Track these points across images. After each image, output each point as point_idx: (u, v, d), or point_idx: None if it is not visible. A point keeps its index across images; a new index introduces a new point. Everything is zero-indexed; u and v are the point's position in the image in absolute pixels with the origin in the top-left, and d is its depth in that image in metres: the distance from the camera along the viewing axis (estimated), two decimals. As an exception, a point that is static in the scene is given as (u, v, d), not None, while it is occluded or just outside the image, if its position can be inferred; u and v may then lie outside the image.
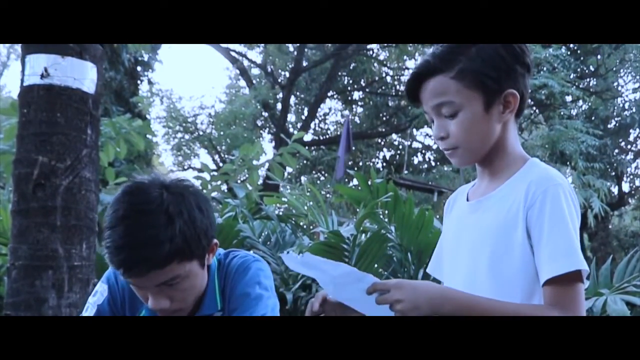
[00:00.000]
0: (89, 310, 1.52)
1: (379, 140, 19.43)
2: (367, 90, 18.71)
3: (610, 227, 15.94)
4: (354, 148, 15.33)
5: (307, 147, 10.20)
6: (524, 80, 1.33)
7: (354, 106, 19.59)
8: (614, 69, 12.94)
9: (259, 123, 18.85)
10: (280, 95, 16.78)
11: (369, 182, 3.99)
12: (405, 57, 17.34)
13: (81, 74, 2.64)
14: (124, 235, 1.29)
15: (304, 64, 16.78)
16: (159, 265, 1.30)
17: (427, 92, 1.31)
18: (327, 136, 19.09)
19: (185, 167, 19.24)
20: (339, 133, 16.42)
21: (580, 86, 12.71)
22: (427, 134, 18.91)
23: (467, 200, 1.43)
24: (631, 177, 15.54)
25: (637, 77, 13.02)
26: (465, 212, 1.40)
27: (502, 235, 1.27)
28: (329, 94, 18.09)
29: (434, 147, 18.65)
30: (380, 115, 18.91)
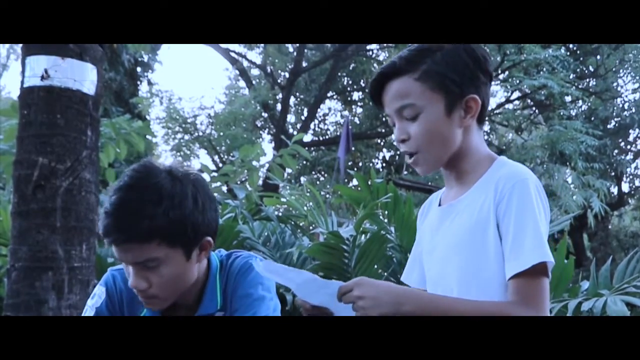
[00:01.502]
0: (87, 313, 1.52)
1: (379, 141, 19.42)
2: (366, 90, 18.69)
3: (610, 227, 15.94)
4: (353, 149, 15.33)
5: (306, 148, 10.19)
6: (485, 88, 1.35)
7: (353, 107, 19.58)
8: (614, 69, 12.95)
9: (259, 124, 18.84)
10: (280, 95, 16.76)
11: (369, 183, 3.99)
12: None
13: (81, 75, 2.64)
14: (114, 204, 1.34)
15: (304, 64, 16.77)
16: (136, 238, 1.33)
17: (390, 94, 1.33)
18: (327, 137, 19.08)
19: (185, 168, 19.16)
20: (338, 134, 16.41)
21: (580, 87, 12.72)
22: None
23: (440, 205, 1.44)
24: (631, 177, 15.54)
25: (637, 78, 13.01)
26: (437, 217, 1.41)
27: (477, 235, 1.28)
28: (329, 95, 18.08)
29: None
30: (380, 115, 18.88)
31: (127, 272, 1.42)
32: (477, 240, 1.28)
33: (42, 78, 2.58)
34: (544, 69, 11.46)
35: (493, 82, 12.48)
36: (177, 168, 1.43)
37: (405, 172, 16.92)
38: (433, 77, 1.29)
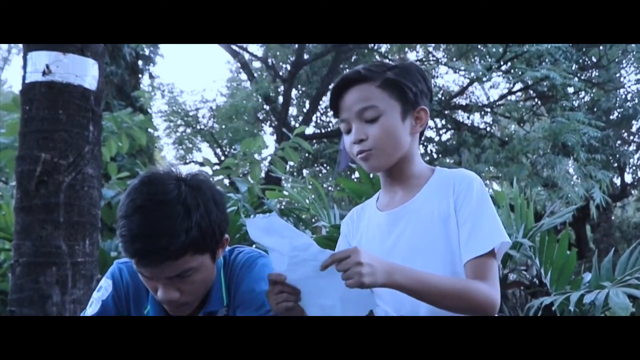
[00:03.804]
0: (93, 306, 1.52)
1: (381, 133, 19.35)
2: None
3: (612, 218, 15.91)
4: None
5: (308, 141, 10.18)
6: (429, 103, 1.53)
7: (355, 99, 19.51)
8: (616, 60, 12.89)
9: (261, 116, 18.82)
10: (282, 88, 16.74)
11: (371, 176, 3.98)
12: (406, 49, 17.30)
13: (83, 70, 2.64)
14: (141, 225, 1.28)
15: (305, 57, 16.73)
16: (173, 256, 1.30)
17: (352, 98, 1.47)
18: (329, 129, 19.06)
19: (187, 161, 19.24)
20: (340, 126, 16.37)
21: (582, 78, 12.66)
22: (428, 127, 18.82)
23: (381, 211, 1.55)
24: (634, 168, 15.49)
25: (640, 68, 12.96)
26: (386, 221, 1.52)
27: (440, 228, 1.42)
28: (331, 87, 18.05)
29: (436, 139, 18.64)
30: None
31: (152, 288, 1.39)
32: (442, 231, 1.42)
33: (44, 73, 2.58)
34: (546, 60, 11.42)
35: (495, 74, 12.40)
36: (185, 173, 1.41)
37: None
38: (392, 86, 1.45)
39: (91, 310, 1.52)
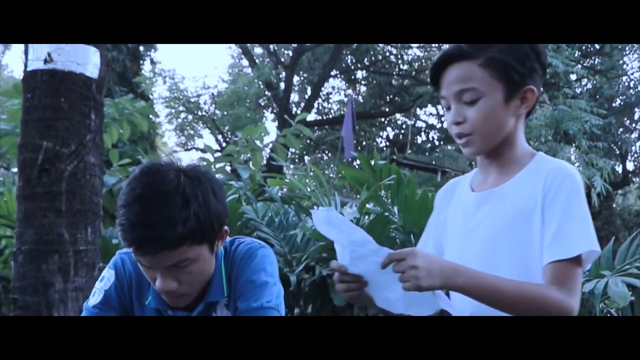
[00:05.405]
0: (96, 295, 1.53)
1: (383, 120, 19.37)
2: (370, 69, 18.61)
3: (614, 206, 15.92)
4: (357, 127, 15.28)
5: (310, 127, 10.17)
6: (540, 80, 1.39)
7: (357, 85, 19.50)
8: (619, 47, 12.83)
9: (262, 103, 18.80)
10: (283, 74, 16.71)
11: (372, 164, 3.98)
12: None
13: (84, 58, 2.64)
14: (139, 214, 1.29)
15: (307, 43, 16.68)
16: (171, 245, 1.30)
17: (451, 77, 1.36)
18: (331, 116, 19.04)
19: (189, 148, 19.26)
20: (342, 112, 16.39)
21: (585, 65, 12.62)
22: (430, 113, 18.86)
23: (473, 191, 1.46)
24: (635, 156, 15.49)
25: (643, 56, 12.91)
26: (473, 202, 1.44)
27: (523, 222, 1.32)
28: (332, 73, 17.99)
29: (438, 126, 18.58)
30: (384, 94, 18.82)
31: (151, 277, 1.40)
32: (523, 226, 1.32)
33: (46, 61, 2.58)
34: (549, 47, 11.37)
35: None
36: (185, 165, 1.41)
37: (409, 151, 16.90)
38: (496, 65, 1.32)
39: (94, 300, 1.53)
